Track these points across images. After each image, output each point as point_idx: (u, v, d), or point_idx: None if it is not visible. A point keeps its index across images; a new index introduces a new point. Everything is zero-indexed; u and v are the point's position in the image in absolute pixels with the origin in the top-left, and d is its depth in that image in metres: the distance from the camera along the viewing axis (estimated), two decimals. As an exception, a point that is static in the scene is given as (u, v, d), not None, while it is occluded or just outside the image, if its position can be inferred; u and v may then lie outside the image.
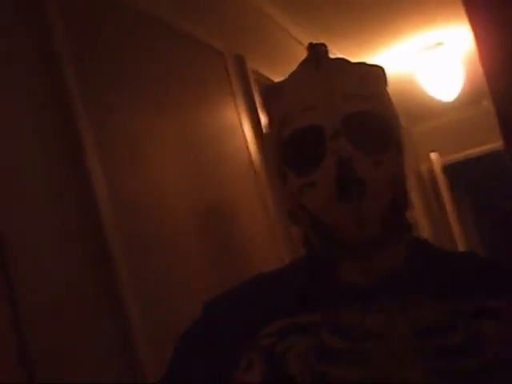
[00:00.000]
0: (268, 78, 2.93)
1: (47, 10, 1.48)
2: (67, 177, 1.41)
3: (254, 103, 2.79)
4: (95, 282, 1.40)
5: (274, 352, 0.82)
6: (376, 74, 0.95)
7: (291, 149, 0.89)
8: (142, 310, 1.47)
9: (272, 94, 0.96)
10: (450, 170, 6.16)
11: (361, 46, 4.14)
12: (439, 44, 4.61)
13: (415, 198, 5.34)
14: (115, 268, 1.44)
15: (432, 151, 5.95)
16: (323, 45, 0.94)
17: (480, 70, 1.99)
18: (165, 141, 1.93)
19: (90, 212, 1.42)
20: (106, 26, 1.75)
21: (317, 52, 0.93)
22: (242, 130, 2.62)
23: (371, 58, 4.28)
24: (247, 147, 2.61)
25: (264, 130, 2.76)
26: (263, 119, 2.79)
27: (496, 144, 4.12)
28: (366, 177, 0.83)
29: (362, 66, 0.94)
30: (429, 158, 5.88)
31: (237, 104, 2.62)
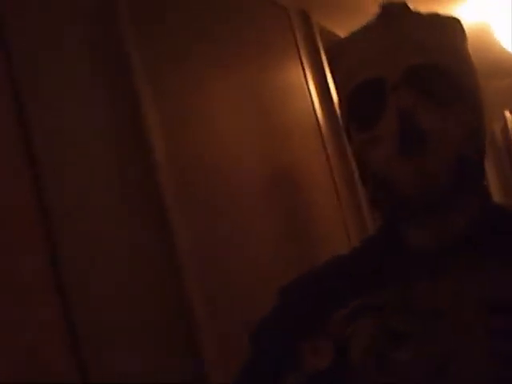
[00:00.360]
0: (334, 34, 2.85)
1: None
2: (126, 138, 1.39)
3: (319, 60, 2.72)
4: (153, 256, 1.37)
5: (343, 337, 0.80)
6: (451, 25, 0.88)
7: (354, 104, 0.85)
8: (205, 283, 1.45)
9: (338, 49, 0.91)
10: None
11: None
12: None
13: (488, 158, 5.16)
14: (175, 234, 1.41)
15: (506, 109, 5.72)
16: (398, 2, 0.88)
17: None
18: (228, 99, 1.90)
19: (148, 175, 1.39)
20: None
21: (388, 11, 0.86)
22: (307, 88, 2.57)
23: (445, 10, 4.08)
24: (313, 106, 2.55)
25: (331, 88, 2.70)
26: (329, 77, 2.72)
27: None
28: (430, 130, 0.78)
29: (436, 16, 0.87)
30: (503, 117, 5.66)
31: (302, 61, 2.55)
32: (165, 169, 1.39)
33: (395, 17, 0.85)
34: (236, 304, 1.54)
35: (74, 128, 1.25)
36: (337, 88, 0.92)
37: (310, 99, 2.52)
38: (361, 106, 0.84)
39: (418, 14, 0.88)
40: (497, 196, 5.02)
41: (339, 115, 0.95)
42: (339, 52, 0.90)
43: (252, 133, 1.94)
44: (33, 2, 1.24)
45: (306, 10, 2.67)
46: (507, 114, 5.69)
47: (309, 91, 2.53)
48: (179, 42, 1.65)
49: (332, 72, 0.96)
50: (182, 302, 1.38)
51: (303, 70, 2.53)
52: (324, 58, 2.69)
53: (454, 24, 0.88)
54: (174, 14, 1.69)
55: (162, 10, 1.64)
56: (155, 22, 1.57)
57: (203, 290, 1.41)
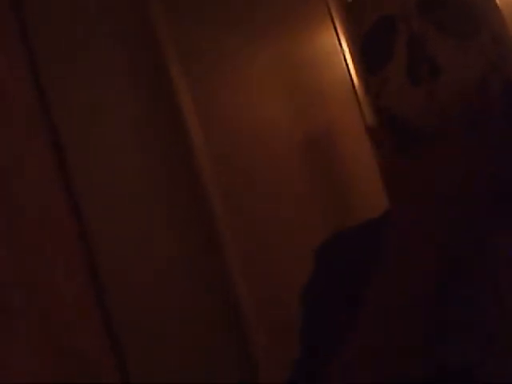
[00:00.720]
0: None
1: None
2: (155, 108, 1.39)
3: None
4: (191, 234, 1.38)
5: None
6: None
7: (366, 49, 0.80)
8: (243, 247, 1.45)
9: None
10: None
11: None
12: None
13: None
14: (213, 201, 1.46)
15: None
16: None
17: None
18: (261, 66, 1.93)
19: (183, 144, 1.40)
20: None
21: None
22: (342, 55, 2.57)
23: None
24: (348, 71, 2.56)
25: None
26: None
27: None
28: (444, 61, 0.72)
29: None
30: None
31: (336, 28, 2.55)
32: (200, 138, 1.42)
33: None
34: (275, 268, 1.58)
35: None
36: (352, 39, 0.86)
37: (345, 65, 2.53)
38: (373, 48, 0.79)
39: None
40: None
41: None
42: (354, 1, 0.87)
43: (287, 99, 1.97)
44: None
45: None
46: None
47: (344, 57, 2.54)
48: (210, 17, 1.68)
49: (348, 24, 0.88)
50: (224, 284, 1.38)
51: (337, 36, 2.53)
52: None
53: None
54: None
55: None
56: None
57: (242, 253, 1.44)
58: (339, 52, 2.54)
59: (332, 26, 2.53)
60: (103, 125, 1.29)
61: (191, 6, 1.62)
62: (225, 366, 1.38)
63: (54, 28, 1.29)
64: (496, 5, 0.82)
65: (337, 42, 2.54)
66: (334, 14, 2.55)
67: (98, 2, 1.38)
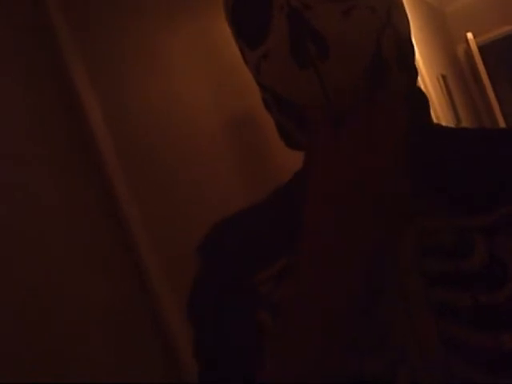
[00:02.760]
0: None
1: None
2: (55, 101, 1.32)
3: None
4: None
5: (272, 301, 0.66)
6: None
7: (238, 16, 0.69)
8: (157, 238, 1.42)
9: None
10: (488, 49, 5.90)
11: None
12: None
13: (452, 81, 5.17)
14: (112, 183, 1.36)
15: (468, 31, 5.69)
16: None
17: None
18: (179, 52, 1.88)
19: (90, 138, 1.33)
20: None
21: None
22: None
23: None
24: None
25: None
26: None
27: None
28: (328, 29, 0.60)
29: None
30: (465, 39, 5.62)
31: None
32: (104, 132, 1.33)
33: None
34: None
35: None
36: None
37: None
38: (246, 19, 0.68)
39: None
40: (464, 120, 5.05)
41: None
42: None
43: (207, 81, 1.93)
44: None
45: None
46: (469, 35, 5.67)
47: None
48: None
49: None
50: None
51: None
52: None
53: None
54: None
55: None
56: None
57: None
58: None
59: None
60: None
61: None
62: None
63: None
64: None
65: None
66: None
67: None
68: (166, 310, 1.39)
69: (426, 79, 4.11)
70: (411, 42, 0.71)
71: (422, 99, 0.73)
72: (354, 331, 0.55)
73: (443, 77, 4.78)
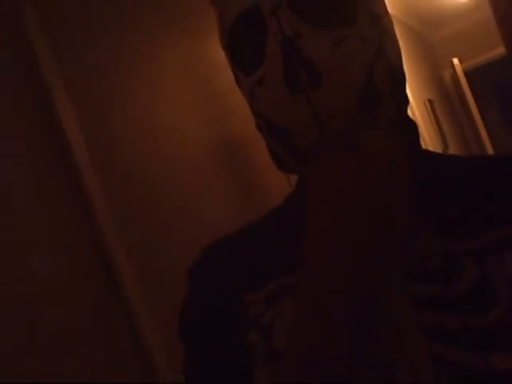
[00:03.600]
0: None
1: None
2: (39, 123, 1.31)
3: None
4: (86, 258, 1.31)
5: (262, 322, 0.66)
6: None
7: (233, 43, 0.70)
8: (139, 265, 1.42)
9: None
10: (474, 74, 5.98)
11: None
12: None
13: (439, 106, 5.22)
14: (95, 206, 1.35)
15: (454, 57, 5.77)
16: None
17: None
18: (170, 74, 1.88)
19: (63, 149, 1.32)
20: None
21: None
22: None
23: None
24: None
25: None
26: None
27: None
28: (319, 58, 0.62)
29: None
30: (451, 65, 5.70)
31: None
32: (85, 155, 1.32)
33: None
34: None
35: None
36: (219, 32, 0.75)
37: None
38: (242, 46, 0.69)
39: None
40: (452, 145, 5.08)
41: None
42: None
43: (198, 105, 1.94)
44: None
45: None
46: (455, 61, 5.74)
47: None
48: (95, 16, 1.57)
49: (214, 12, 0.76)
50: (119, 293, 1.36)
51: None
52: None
53: None
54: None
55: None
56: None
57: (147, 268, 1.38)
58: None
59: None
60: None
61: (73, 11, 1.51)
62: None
63: None
64: None
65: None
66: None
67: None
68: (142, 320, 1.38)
69: (413, 104, 4.14)
70: (403, 69, 0.71)
71: (411, 126, 0.74)
72: (352, 341, 0.55)
73: (430, 102, 4.83)
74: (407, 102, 0.72)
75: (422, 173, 0.68)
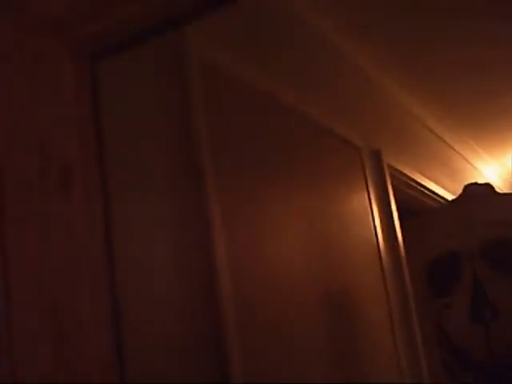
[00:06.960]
0: (401, 172, 2.98)
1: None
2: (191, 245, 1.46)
3: (387, 197, 2.84)
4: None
5: None
6: None
7: (433, 273, 0.90)
8: None
9: (420, 223, 0.99)
10: None
11: (502, 141, 3.94)
12: None
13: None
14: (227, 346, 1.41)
15: None
16: (482, 183, 0.92)
17: None
18: (293, 218, 1.99)
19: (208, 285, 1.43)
20: (244, 114, 1.83)
21: (472, 191, 0.92)
22: (372, 218, 2.66)
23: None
24: (376, 237, 2.63)
25: (395, 222, 2.79)
26: (394, 210, 2.83)
27: None
28: (500, 301, 0.81)
29: (507, 195, 0.91)
30: None
31: (370, 196, 2.67)
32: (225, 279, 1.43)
33: (477, 196, 0.92)
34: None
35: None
36: (414, 256, 0.97)
37: (373, 230, 2.61)
38: (440, 275, 0.87)
39: (498, 193, 0.94)
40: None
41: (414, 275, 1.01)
42: (422, 225, 0.97)
43: (312, 255, 2.02)
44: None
45: (378, 149, 2.84)
46: None
47: (373, 222, 2.63)
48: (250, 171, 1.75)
49: (410, 242, 1.00)
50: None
51: (370, 202, 2.63)
52: (390, 192, 2.81)
53: None
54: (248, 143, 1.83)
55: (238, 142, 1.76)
56: (231, 156, 1.66)
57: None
58: (369, 214, 2.63)
59: (365, 190, 2.65)
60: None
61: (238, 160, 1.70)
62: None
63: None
64: None
65: (368, 205, 2.64)
66: (369, 180, 2.69)
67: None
68: None
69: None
70: None
71: None
72: None
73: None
74: None
75: None
